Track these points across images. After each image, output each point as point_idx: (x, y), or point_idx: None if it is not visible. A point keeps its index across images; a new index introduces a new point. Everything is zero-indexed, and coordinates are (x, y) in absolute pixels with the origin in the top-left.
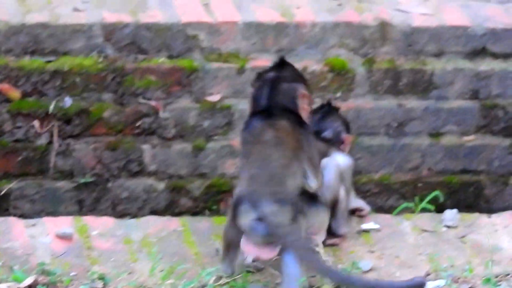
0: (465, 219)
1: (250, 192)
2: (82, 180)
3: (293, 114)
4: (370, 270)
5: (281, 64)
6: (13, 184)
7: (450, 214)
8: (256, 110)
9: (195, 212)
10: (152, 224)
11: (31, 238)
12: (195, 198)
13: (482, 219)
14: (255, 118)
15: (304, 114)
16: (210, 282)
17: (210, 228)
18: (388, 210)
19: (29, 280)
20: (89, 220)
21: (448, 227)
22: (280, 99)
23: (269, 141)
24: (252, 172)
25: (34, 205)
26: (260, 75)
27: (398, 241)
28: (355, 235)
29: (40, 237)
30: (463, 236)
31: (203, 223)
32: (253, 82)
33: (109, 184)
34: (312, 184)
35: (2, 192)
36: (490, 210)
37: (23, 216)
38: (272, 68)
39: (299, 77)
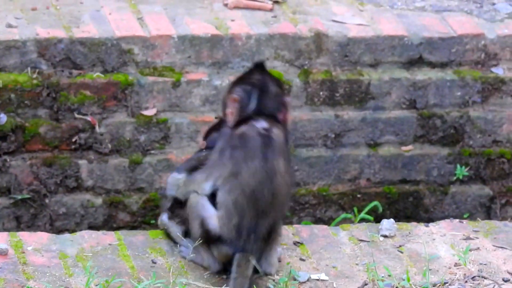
0: (402, 228)
1: (231, 238)
2: (19, 197)
3: (280, 123)
4: (307, 281)
5: (262, 69)
6: None
7: (387, 224)
8: (243, 115)
9: (133, 226)
10: (87, 239)
11: None
12: (133, 213)
13: (419, 228)
14: (247, 125)
15: (287, 120)
16: None
17: (145, 242)
18: (327, 222)
19: None
20: (24, 235)
21: (385, 236)
22: (269, 104)
23: (270, 165)
24: (241, 197)
25: None
26: (243, 79)
27: (334, 252)
28: (292, 246)
29: None
30: (400, 246)
31: (138, 237)
32: (232, 86)
33: (47, 200)
34: None
35: None
36: (429, 219)
37: None
38: (253, 72)
39: (281, 83)
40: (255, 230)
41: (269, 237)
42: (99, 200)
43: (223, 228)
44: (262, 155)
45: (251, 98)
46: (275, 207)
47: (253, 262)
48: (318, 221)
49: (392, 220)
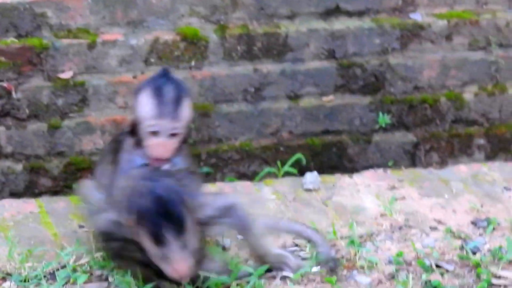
0: (326, 181)
1: None
2: None
3: None
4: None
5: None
6: None
7: (311, 177)
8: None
9: (55, 191)
10: (8, 208)
11: None
12: (54, 178)
13: (344, 180)
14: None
15: None
16: (70, 262)
17: (66, 208)
18: (252, 177)
19: None
20: None
21: (309, 190)
22: None
23: None
24: None
25: None
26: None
27: (259, 209)
28: None
29: None
30: (325, 199)
31: (60, 203)
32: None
33: None
34: None
35: None
36: (354, 169)
37: None
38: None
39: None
40: None
41: None
42: (19, 167)
43: None
44: None
45: None
46: None
47: None
48: (242, 176)
49: (315, 173)
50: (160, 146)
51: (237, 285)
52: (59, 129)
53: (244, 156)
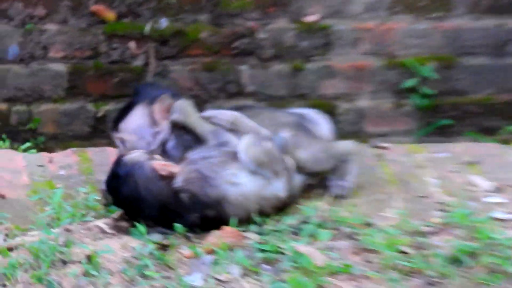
0: None
1: None
2: None
3: None
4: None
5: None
6: (110, 106)
7: None
8: None
9: None
10: None
11: None
12: None
13: None
14: None
15: None
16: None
17: None
18: (491, 132)
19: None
20: None
21: None
22: None
23: None
24: None
25: None
26: None
27: (508, 172)
28: (464, 166)
29: None
30: None
31: None
32: None
33: (208, 105)
34: None
35: (100, 114)
36: None
37: None
38: None
39: None
40: None
41: None
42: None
43: None
44: None
45: None
46: None
47: None
48: (481, 131)
49: None
50: None
51: None
52: (302, 72)
53: (485, 110)
